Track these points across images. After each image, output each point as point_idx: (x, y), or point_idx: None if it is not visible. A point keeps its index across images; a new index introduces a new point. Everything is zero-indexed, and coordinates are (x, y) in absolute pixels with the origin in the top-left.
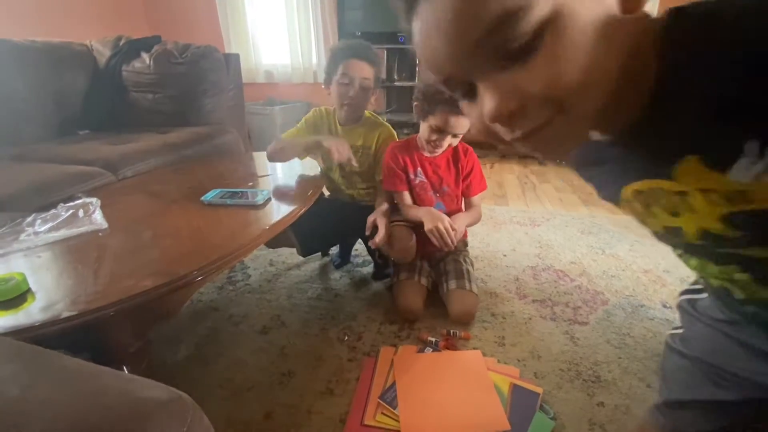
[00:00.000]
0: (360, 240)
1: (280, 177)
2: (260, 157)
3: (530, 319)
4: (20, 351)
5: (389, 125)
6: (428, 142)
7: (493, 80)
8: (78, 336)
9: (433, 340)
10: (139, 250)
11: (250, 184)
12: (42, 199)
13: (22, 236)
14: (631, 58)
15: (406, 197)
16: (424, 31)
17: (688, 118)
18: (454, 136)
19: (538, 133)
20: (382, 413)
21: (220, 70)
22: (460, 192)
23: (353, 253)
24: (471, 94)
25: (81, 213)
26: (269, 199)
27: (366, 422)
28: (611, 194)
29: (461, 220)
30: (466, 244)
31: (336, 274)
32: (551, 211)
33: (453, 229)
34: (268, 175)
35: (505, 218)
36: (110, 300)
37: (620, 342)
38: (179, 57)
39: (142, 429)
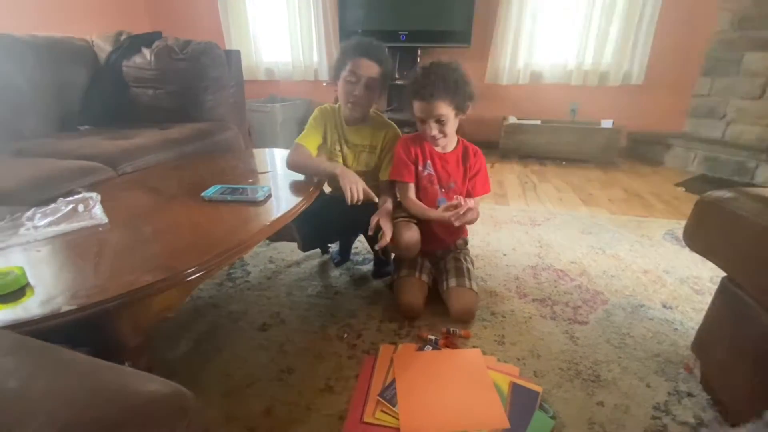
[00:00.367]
0: (361, 236)
1: (281, 174)
2: (260, 154)
3: (530, 318)
4: (20, 344)
5: (395, 125)
6: (426, 135)
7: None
8: (77, 330)
9: (433, 338)
10: (139, 246)
11: (251, 180)
12: (42, 193)
13: (22, 230)
14: None
15: (411, 190)
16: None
17: None
18: (438, 121)
19: None
20: (382, 411)
21: (221, 67)
22: (465, 191)
23: (353, 250)
24: None
25: (81, 208)
26: (269, 196)
27: (365, 419)
28: None
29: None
30: (466, 243)
31: (336, 272)
32: (551, 210)
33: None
34: (268, 172)
35: (506, 217)
36: (110, 294)
37: (620, 342)
38: (180, 53)
39: (142, 423)
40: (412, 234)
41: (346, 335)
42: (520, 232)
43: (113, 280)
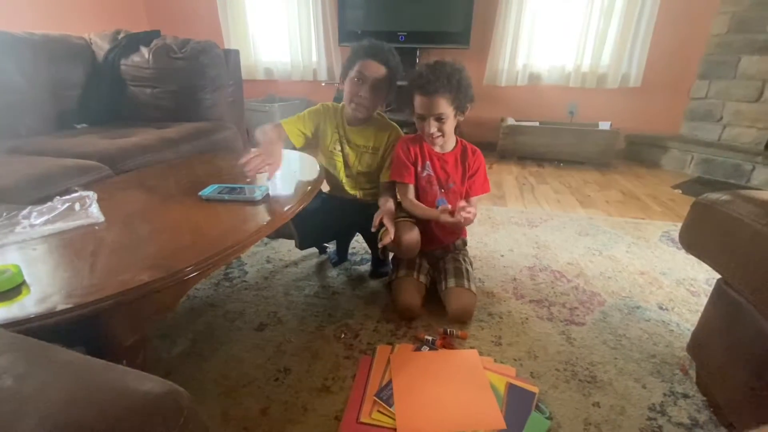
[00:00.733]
0: (359, 236)
1: (279, 173)
2: (255, 161)
3: (527, 319)
4: (15, 342)
5: (398, 127)
6: (425, 133)
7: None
8: (73, 329)
9: (430, 338)
10: (136, 244)
11: (248, 180)
12: (38, 191)
13: (18, 228)
14: None
15: (411, 190)
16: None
17: None
18: (438, 119)
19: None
20: (378, 411)
21: (219, 66)
22: (465, 190)
23: (350, 250)
24: None
25: (77, 206)
26: (267, 195)
27: (362, 420)
28: None
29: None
30: (465, 244)
31: (333, 272)
32: (549, 212)
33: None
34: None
35: (503, 219)
36: (106, 293)
37: (616, 343)
38: (178, 52)
39: (137, 422)
40: (412, 234)
41: (343, 335)
42: (517, 233)
43: (109, 279)
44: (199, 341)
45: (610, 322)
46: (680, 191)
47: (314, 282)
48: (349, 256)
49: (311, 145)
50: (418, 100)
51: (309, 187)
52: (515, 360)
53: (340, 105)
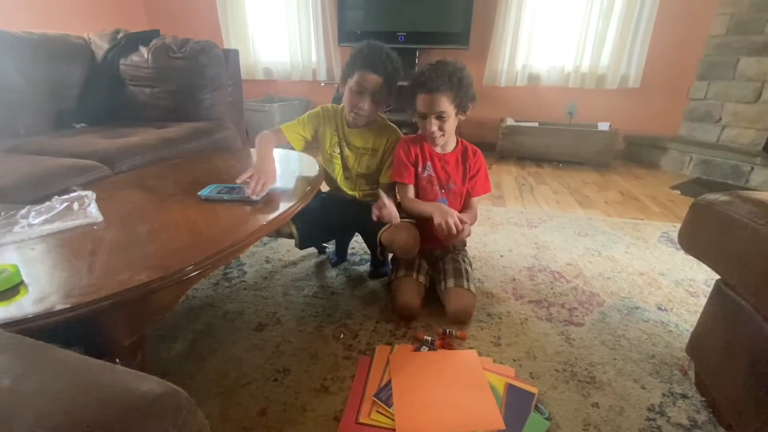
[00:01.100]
0: (359, 236)
1: (279, 173)
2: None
3: (526, 319)
4: (12, 342)
5: (398, 129)
6: (426, 132)
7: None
8: (71, 329)
9: (429, 338)
10: (135, 244)
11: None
12: (37, 191)
13: (16, 228)
14: None
15: (410, 191)
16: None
17: None
18: (439, 118)
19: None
20: (377, 411)
21: (218, 66)
22: (465, 191)
23: (350, 251)
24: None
25: (76, 206)
26: (266, 195)
27: (361, 420)
28: None
29: (468, 219)
30: (464, 244)
31: (332, 272)
32: (548, 212)
33: (463, 223)
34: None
35: (503, 219)
36: (104, 293)
37: (615, 343)
38: (178, 51)
39: (135, 422)
40: (411, 234)
41: (342, 335)
42: (516, 233)
43: (108, 279)
44: (197, 341)
45: (609, 323)
46: (679, 192)
47: (313, 282)
48: (348, 257)
49: (311, 147)
50: (419, 99)
51: (308, 187)
52: (514, 360)
53: (340, 107)
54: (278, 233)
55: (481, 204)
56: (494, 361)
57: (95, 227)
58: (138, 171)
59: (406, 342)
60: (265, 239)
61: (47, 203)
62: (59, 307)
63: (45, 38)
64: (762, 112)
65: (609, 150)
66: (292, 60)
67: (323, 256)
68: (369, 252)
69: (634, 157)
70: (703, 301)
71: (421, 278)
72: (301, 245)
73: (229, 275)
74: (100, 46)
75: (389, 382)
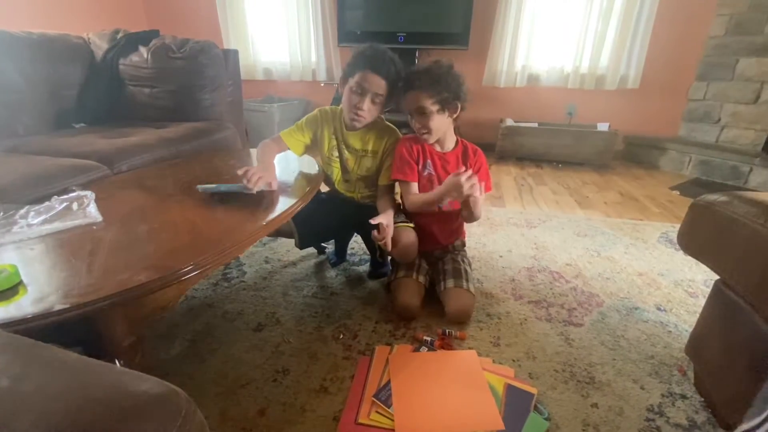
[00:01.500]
0: (359, 237)
1: (278, 173)
2: (256, 175)
3: (525, 320)
4: (11, 342)
5: (397, 131)
6: (418, 130)
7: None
8: (71, 329)
9: (429, 339)
10: (134, 244)
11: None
12: (36, 191)
13: (15, 228)
14: None
15: (414, 188)
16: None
17: None
18: (420, 114)
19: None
20: (377, 412)
21: (218, 66)
22: None
23: (349, 251)
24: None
25: (75, 206)
26: (263, 190)
27: (360, 421)
28: None
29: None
30: (464, 244)
31: (332, 272)
32: (547, 213)
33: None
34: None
35: (502, 220)
36: (103, 293)
37: (614, 344)
38: (177, 51)
39: (134, 422)
40: (409, 239)
41: (341, 336)
42: (516, 234)
43: (107, 279)
44: (197, 342)
45: (608, 323)
46: (678, 192)
47: (313, 282)
48: (347, 257)
49: (311, 151)
50: (404, 98)
51: (308, 187)
52: (514, 361)
53: (339, 108)
54: (278, 232)
55: (480, 204)
56: (494, 361)
57: (94, 227)
58: (137, 171)
59: (406, 342)
60: (265, 239)
61: (46, 203)
62: (58, 307)
63: (45, 38)
64: (761, 113)
65: (608, 150)
66: (291, 60)
67: (323, 257)
68: (368, 252)
69: (634, 158)
70: (702, 301)
71: (421, 278)
72: (301, 245)
73: (228, 275)
74: (100, 46)
75: (388, 382)
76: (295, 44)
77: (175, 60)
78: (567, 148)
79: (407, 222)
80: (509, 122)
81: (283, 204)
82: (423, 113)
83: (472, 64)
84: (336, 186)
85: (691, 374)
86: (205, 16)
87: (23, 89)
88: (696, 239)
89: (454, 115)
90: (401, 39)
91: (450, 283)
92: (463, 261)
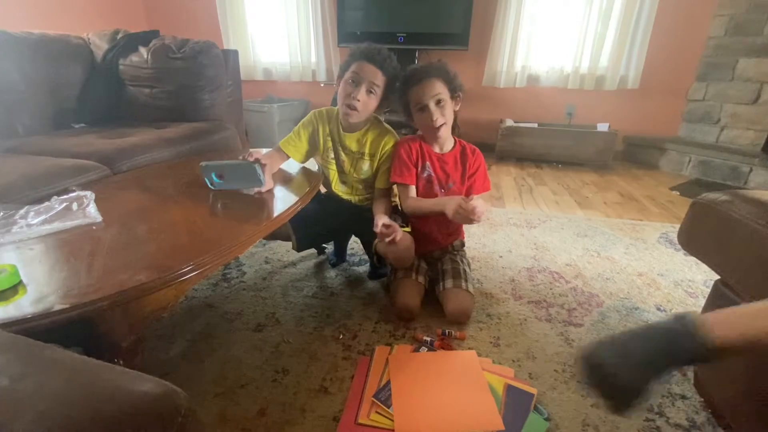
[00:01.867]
0: (356, 239)
1: (279, 173)
2: (257, 154)
3: (525, 320)
4: (11, 342)
5: (395, 133)
6: (427, 125)
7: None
8: (70, 329)
9: (429, 339)
10: (134, 244)
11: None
12: (36, 191)
13: (15, 228)
14: None
15: (412, 191)
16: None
17: None
18: (438, 103)
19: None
20: (377, 412)
21: (218, 66)
22: (465, 190)
23: (349, 251)
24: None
25: (75, 206)
26: (263, 166)
27: (360, 421)
28: None
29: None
30: (463, 245)
31: (332, 273)
32: (547, 213)
33: (470, 203)
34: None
35: (502, 220)
36: (103, 293)
37: None
38: (177, 52)
39: (134, 422)
40: (405, 244)
41: (341, 336)
42: (516, 234)
43: (106, 279)
44: (197, 342)
45: (608, 324)
46: (678, 193)
47: (312, 283)
48: (347, 257)
49: (311, 154)
50: (413, 93)
51: (308, 188)
52: (514, 361)
53: (335, 109)
54: (275, 236)
55: None
56: (493, 361)
57: (94, 227)
58: (137, 171)
59: (406, 342)
60: (264, 240)
61: (46, 203)
62: (58, 307)
63: (44, 38)
64: (761, 113)
65: (608, 151)
66: (291, 60)
67: (322, 257)
68: (368, 255)
69: (634, 158)
70: (702, 301)
71: (420, 279)
72: (299, 248)
73: (228, 276)
74: (100, 47)
75: (388, 382)
76: (295, 45)
77: (175, 60)
78: (567, 149)
79: (404, 227)
80: (509, 123)
81: (283, 204)
82: (439, 102)
83: (472, 65)
84: (333, 188)
85: (691, 374)
86: (205, 16)
87: (23, 89)
88: (696, 238)
89: (457, 107)
90: (401, 39)
91: (449, 283)
92: (462, 261)
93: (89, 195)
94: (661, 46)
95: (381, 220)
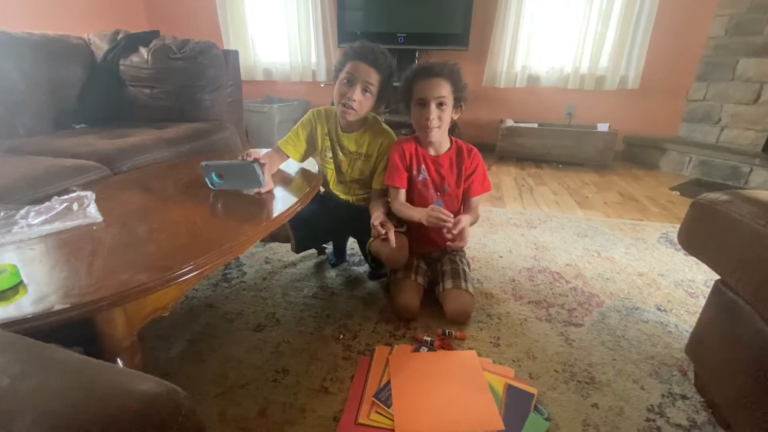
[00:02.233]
0: (354, 239)
1: (278, 173)
2: (255, 154)
3: (526, 320)
4: (11, 342)
5: (393, 134)
6: (421, 123)
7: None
8: (70, 329)
9: (429, 339)
10: (134, 245)
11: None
12: (36, 191)
13: (15, 228)
14: None
15: (402, 195)
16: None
17: None
18: (439, 105)
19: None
20: (377, 412)
21: (218, 66)
22: (461, 192)
23: (349, 251)
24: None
25: (75, 206)
26: (262, 165)
27: (360, 421)
28: None
29: (465, 218)
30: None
31: (332, 273)
32: (547, 213)
33: (447, 215)
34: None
35: (502, 220)
36: (103, 293)
37: (614, 344)
38: (178, 52)
39: (134, 422)
40: (399, 244)
41: (341, 336)
42: (516, 234)
43: (107, 279)
44: (197, 342)
45: (608, 324)
46: (678, 193)
47: (313, 283)
48: (347, 257)
49: (310, 154)
50: (418, 86)
51: (307, 188)
52: (514, 361)
53: (333, 108)
54: (273, 237)
55: (480, 205)
56: (494, 361)
57: (95, 227)
58: (137, 171)
59: (406, 342)
60: (263, 241)
61: (47, 203)
62: (58, 307)
63: (45, 39)
64: (761, 113)
65: (608, 151)
66: (291, 61)
67: (322, 257)
68: (363, 256)
69: (634, 158)
70: (703, 301)
71: (420, 279)
72: (298, 249)
73: (228, 276)
74: (100, 47)
75: (389, 382)
76: (295, 45)
77: (176, 60)
78: (567, 149)
79: (398, 227)
80: (509, 123)
81: (283, 204)
82: (441, 104)
83: (472, 65)
84: (331, 188)
85: (691, 374)
86: (205, 16)
87: (24, 90)
88: (696, 238)
89: (456, 116)
90: (401, 40)
91: (449, 283)
92: (462, 261)
93: (90, 195)
94: (661, 46)
95: (378, 218)
